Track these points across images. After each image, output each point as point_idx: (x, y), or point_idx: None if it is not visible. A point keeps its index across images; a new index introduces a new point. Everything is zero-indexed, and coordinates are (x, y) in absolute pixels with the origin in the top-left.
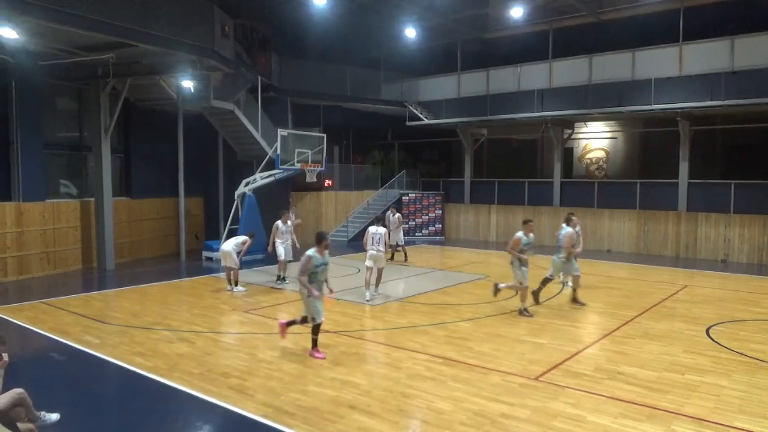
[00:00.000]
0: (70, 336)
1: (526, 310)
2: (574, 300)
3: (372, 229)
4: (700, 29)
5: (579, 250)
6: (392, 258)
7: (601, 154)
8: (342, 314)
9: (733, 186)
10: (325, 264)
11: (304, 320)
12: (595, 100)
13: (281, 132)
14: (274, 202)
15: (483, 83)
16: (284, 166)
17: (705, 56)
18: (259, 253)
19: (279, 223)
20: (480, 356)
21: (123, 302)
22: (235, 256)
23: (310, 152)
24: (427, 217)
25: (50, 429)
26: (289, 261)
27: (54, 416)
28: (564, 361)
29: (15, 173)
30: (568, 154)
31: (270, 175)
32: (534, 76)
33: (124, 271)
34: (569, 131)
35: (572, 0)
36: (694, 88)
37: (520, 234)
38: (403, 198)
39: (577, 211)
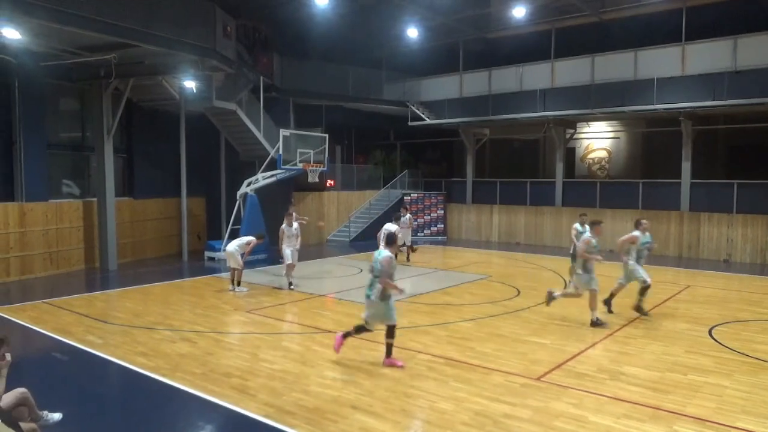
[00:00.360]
0: (72, 336)
1: (599, 320)
2: (638, 308)
3: (388, 225)
4: (702, 29)
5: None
6: (408, 259)
7: (603, 154)
8: (344, 314)
9: (735, 186)
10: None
11: (358, 330)
12: (597, 99)
13: (283, 132)
14: (276, 202)
15: (485, 83)
16: (286, 166)
17: (708, 56)
18: (262, 254)
19: (284, 226)
20: (482, 356)
21: (125, 302)
22: (238, 257)
23: (312, 152)
24: (429, 217)
25: (53, 428)
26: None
27: (57, 416)
28: (566, 361)
29: (18, 173)
30: (571, 154)
31: (272, 175)
32: (536, 75)
33: (127, 271)
34: (571, 131)
35: (574, 0)
36: (697, 88)
37: (588, 236)
38: (405, 198)
39: (578, 212)
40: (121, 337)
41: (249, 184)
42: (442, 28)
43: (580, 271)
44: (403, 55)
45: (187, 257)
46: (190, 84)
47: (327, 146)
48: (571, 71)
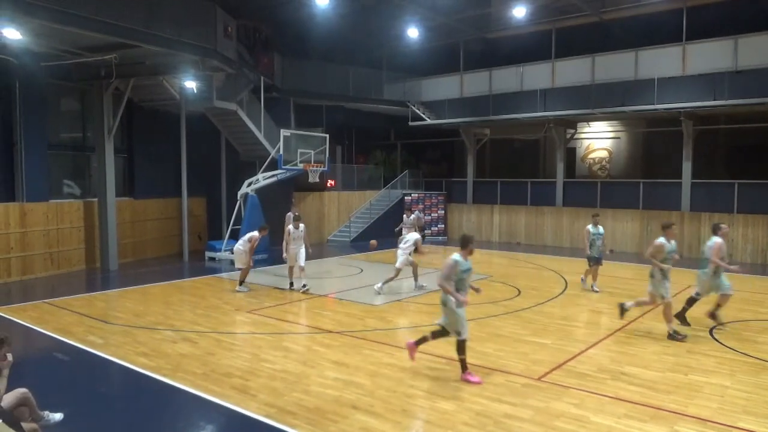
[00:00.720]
0: (73, 336)
1: (676, 332)
2: (713, 315)
3: (409, 234)
4: (703, 29)
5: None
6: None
7: (603, 154)
8: (345, 314)
9: (736, 186)
10: (470, 269)
11: (435, 335)
12: (597, 99)
13: (284, 132)
14: (276, 202)
15: (486, 83)
16: (287, 167)
17: (708, 56)
18: (262, 254)
19: (291, 228)
20: (483, 356)
21: (126, 302)
22: (244, 256)
23: (312, 152)
24: (429, 217)
25: (54, 429)
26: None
27: (58, 416)
28: (567, 361)
29: (18, 174)
30: (571, 154)
31: (273, 176)
32: (537, 75)
33: (128, 272)
34: (572, 131)
35: (575, 0)
36: (698, 88)
37: (662, 240)
38: (406, 198)
39: (579, 212)
40: (122, 337)
41: (250, 185)
42: (443, 28)
43: (657, 278)
44: (403, 55)
45: (188, 257)
46: (190, 84)
47: (327, 146)
48: (572, 71)
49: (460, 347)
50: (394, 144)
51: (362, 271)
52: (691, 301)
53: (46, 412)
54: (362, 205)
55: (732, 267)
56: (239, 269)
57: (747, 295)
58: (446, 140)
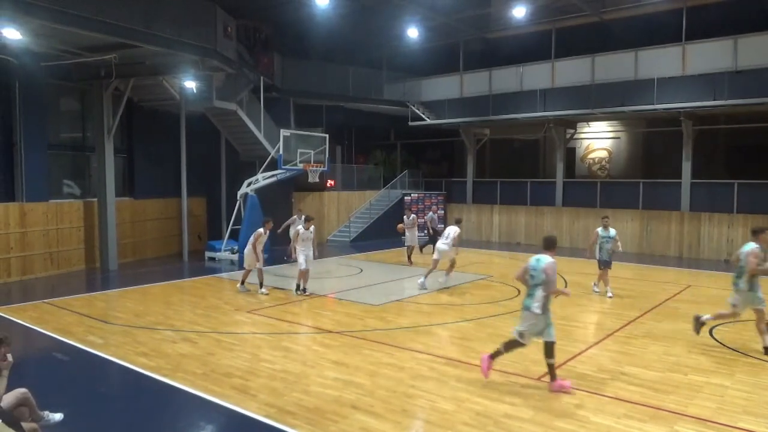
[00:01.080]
0: (73, 336)
1: None
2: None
3: (448, 227)
4: (703, 29)
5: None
6: (409, 259)
7: (603, 154)
8: (345, 314)
9: (736, 186)
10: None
11: (509, 347)
12: (597, 99)
13: (284, 132)
14: (276, 202)
15: (485, 83)
16: (287, 167)
17: (708, 56)
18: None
19: (300, 228)
20: None
21: (126, 302)
22: (252, 256)
23: (312, 152)
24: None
25: (54, 429)
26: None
27: (58, 416)
28: (567, 361)
29: (18, 174)
30: (571, 154)
31: (272, 176)
32: (536, 75)
33: (127, 272)
34: (572, 131)
35: (575, 0)
36: (697, 88)
37: (754, 246)
38: (406, 198)
39: (579, 212)
40: (121, 337)
41: (249, 184)
42: (443, 28)
43: (743, 287)
44: (403, 55)
45: (188, 257)
46: (190, 84)
47: (327, 146)
48: (572, 71)
49: (550, 350)
50: (394, 144)
51: (362, 271)
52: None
53: (46, 412)
54: (362, 205)
55: None
56: (254, 270)
57: None
58: (446, 140)
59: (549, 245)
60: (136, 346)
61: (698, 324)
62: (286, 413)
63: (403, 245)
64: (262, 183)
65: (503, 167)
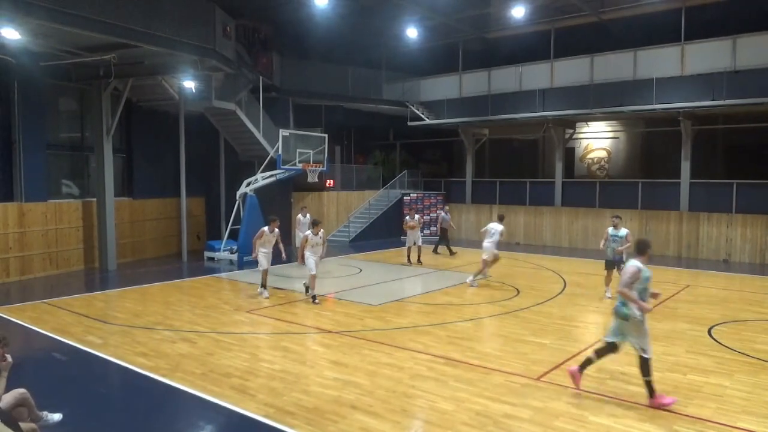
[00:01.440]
0: (72, 336)
1: None
2: None
3: (490, 225)
4: (702, 29)
5: None
6: (417, 260)
7: (602, 153)
8: (344, 314)
9: (735, 185)
10: (650, 277)
11: (600, 354)
12: (596, 99)
13: (283, 132)
14: (275, 202)
15: (484, 83)
16: (286, 166)
17: (707, 56)
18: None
19: (310, 233)
20: (482, 356)
21: (125, 302)
22: (262, 258)
23: (311, 152)
24: (428, 217)
25: (53, 429)
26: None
27: (56, 416)
28: (566, 360)
29: (17, 174)
30: (570, 154)
31: (271, 176)
32: (535, 75)
33: (126, 272)
34: (571, 131)
35: (574, 0)
36: (696, 88)
37: None
38: (405, 198)
39: (578, 212)
40: (120, 337)
41: (248, 184)
42: (442, 28)
43: None
44: (402, 55)
45: (187, 257)
46: (189, 84)
47: (326, 146)
48: (571, 71)
49: (645, 367)
50: (393, 144)
51: (361, 271)
52: None
53: (45, 413)
54: (361, 205)
55: None
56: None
57: (746, 294)
58: (445, 140)
59: (640, 249)
60: (135, 346)
61: None
62: (286, 413)
63: (403, 245)
64: (261, 183)
65: (502, 167)
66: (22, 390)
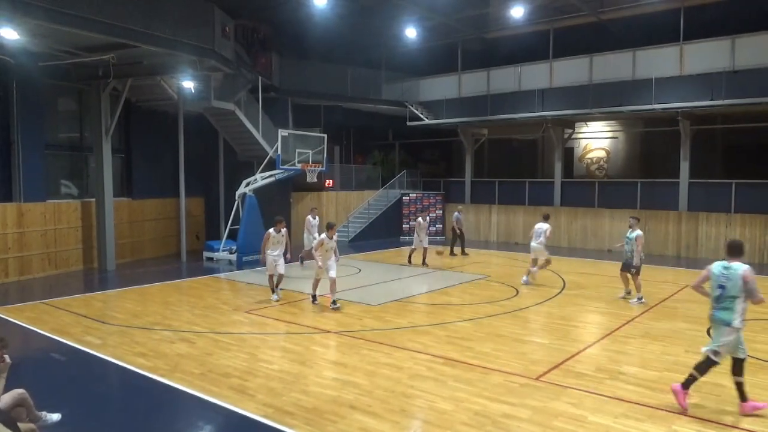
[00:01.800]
0: (71, 336)
1: None
2: None
3: (537, 225)
4: (700, 29)
5: None
6: (423, 261)
7: (601, 153)
8: (343, 314)
9: (733, 185)
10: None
11: (703, 370)
12: (595, 99)
13: (282, 132)
14: (274, 202)
15: (484, 83)
16: (285, 167)
17: (706, 56)
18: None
19: (324, 237)
20: (481, 356)
21: (124, 302)
22: (272, 262)
23: (310, 152)
24: (428, 217)
25: (51, 429)
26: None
27: (55, 416)
28: (565, 360)
29: (16, 174)
30: (569, 153)
31: (270, 176)
32: (535, 75)
33: (125, 272)
34: (570, 131)
35: (573, 0)
36: (695, 88)
37: None
38: (404, 198)
39: (577, 211)
40: (119, 337)
41: (247, 185)
42: (441, 28)
43: None
44: (402, 55)
45: (186, 257)
46: (188, 84)
47: (325, 146)
48: (570, 71)
49: (739, 367)
50: (393, 144)
51: (360, 270)
52: None
53: (44, 413)
54: (360, 205)
55: None
56: (270, 276)
57: None
58: (444, 140)
59: (739, 252)
60: (134, 347)
61: None
62: (285, 413)
63: (403, 245)
64: (260, 183)
65: (501, 167)
66: (20, 390)
